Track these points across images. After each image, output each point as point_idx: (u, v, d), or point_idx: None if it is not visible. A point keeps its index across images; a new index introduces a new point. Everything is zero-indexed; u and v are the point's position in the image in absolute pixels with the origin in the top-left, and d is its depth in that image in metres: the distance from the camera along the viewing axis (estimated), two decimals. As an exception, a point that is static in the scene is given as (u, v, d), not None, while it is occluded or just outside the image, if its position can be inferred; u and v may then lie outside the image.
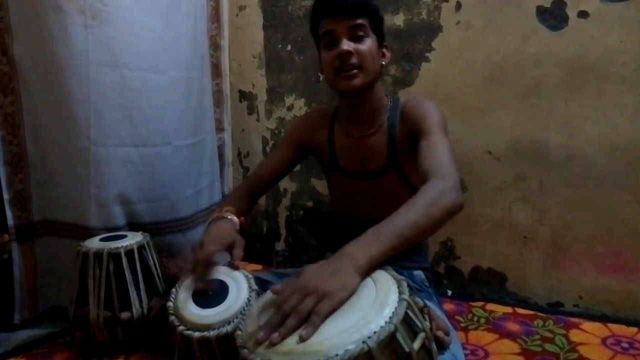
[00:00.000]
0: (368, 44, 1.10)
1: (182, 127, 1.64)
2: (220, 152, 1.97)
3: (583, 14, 1.35)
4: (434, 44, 1.57)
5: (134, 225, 1.48)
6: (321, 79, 1.81)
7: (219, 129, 1.96)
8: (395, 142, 1.17)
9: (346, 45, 1.07)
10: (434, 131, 1.05)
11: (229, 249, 1.02)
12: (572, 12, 1.36)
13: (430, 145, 1.02)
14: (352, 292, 0.67)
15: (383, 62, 1.16)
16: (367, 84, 1.12)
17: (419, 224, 0.81)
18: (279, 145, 1.39)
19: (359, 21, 1.08)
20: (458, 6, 1.51)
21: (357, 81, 1.09)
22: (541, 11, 1.40)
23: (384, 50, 1.18)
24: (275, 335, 0.61)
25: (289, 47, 1.89)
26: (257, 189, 1.33)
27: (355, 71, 1.08)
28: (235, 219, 1.15)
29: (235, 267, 1.02)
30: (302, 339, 0.60)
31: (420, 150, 1.03)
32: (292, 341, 0.60)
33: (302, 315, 0.63)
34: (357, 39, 1.08)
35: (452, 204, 0.87)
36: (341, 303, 0.65)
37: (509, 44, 1.45)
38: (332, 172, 1.29)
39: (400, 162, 1.17)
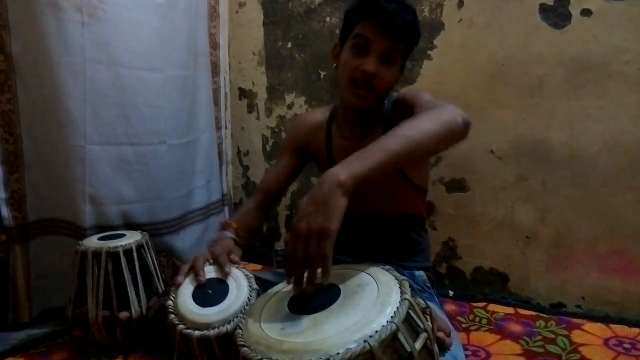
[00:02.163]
0: (393, 72, 1.06)
1: (177, 125, 1.64)
2: (219, 151, 1.96)
3: (586, 12, 1.34)
4: (436, 42, 1.56)
5: (130, 225, 1.47)
6: (321, 76, 1.81)
7: (217, 127, 1.95)
8: None
9: (373, 66, 1.02)
10: (425, 100, 1.01)
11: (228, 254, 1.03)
12: (575, 10, 1.36)
13: (425, 104, 0.98)
14: (342, 213, 0.70)
15: (392, 84, 1.12)
16: (373, 105, 1.10)
17: (410, 137, 0.77)
18: (279, 153, 1.39)
19: (398, 46, 1.03)
20: (460, 4, 1.51)
21: (365, 102, 1.07)
22: (544, 9, 1.39)
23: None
24: (308, 287, 0.69)
25: (289, 45, 1.88)
26: (265, 200, 1.31)
27: (366, 93, 1.05)
28: (232, 235, 1.14)
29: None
30: (323, 285, 0.67)
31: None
32: (293, 339, 0.60)
33: (313, 261, 0.68)
34: (386, 62, 1.04)
35: (450, 117, 0.83)
36: (337, 230, 0.69)
37: (511, 42, 1.45)
38: None
39: None
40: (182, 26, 1.63)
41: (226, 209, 2.01)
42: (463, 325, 1.31)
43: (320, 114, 1.31)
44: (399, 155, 0.75)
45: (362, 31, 1.03)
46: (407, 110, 1.08)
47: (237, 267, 1.00)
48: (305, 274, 0.69)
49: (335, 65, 1.15)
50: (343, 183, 0.70)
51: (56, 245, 1.42)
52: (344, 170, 0.72)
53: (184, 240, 1.67)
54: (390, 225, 1.20)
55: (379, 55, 1.02)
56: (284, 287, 0.77)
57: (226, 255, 1.01)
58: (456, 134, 0.85)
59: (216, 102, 1.95)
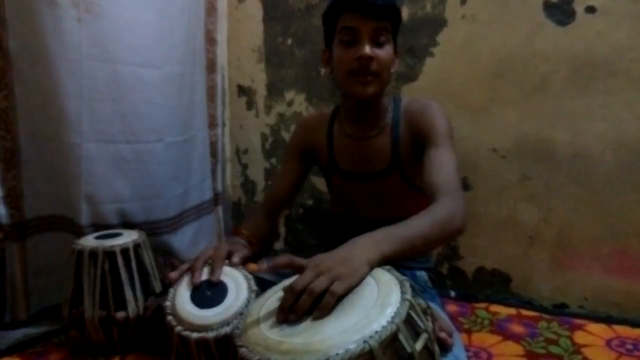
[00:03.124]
0: (388, 51, 1.07)
1: (174, 123, 1.63)
2: (214, 149, 1.95)
3: (590, 9, 1.34)
4: (438, 39, 1.55)
5: (127, 224, 1.46)
6: (322, 73, 1.80)
7: (213, 124, 1.94)
8: (399, 144, 1.15)
9: (368, 49, 1.03)
10: (442, 142, 1.05)
11: (229, 255, 1.01)
12: (579, 7, 1.35)
13: (439, 159, 1.02)
14: (361, 281, 0.68)
15: (392, 70, 1.13)
16: (379, 92, 1.10)
17: (428, 239, 0.84)
18: (284, 159, 1.39)
19: (384, 24, 1.05)
20: (463, 0, 1.50)
21: (371, 89, 1.06)
22: (548, 6, 1.39)
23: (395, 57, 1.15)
24: (292, 315, 0.64)
25: (289, 41, 1.87)
26: (275, 207, 1.31)
27: (370, 78, 1.05)
28: (243, 241, 1.13)
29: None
30: (315, 318, 0.62)
31: (428, 161, 1.03)
32: (292, 340, 0.60)
33: (315, 293, 0.65)
34: (378, 44, 1.05)
35: (459, 227, 0.91)
36: (352, 288, 0.67)
37: (515, 39, 1.44)
38: (332, 174, 1.27)
39: (403, 164, 1.16)
40: (181, 23, 1.62)
41: (220, 208, 1.99)
42: (465, 326, 1.31)
43: (321, 115, 1.32)
44: (414, 252, 0.82)
45: (347, 23, 1.05)
46: (419, 131, 1.10)
47: (236, 269, 0.99)
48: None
49: (329, 70, 1.16)
50: (371, 259, 0.72)
51: (55, 242, 1.42)
52: (375, 247, 0.75)
53: (180, 240, 1.67)
54: None
55: (370, 39, 1.04)
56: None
57: (223, 259, 0.99)
58: (455, 237, 0.91)
59: (212, 100, 1.93)
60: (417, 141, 1.10)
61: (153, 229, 1.53)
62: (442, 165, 1.01)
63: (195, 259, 0.99)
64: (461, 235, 0.95)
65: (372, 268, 0.71)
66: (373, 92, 1.07)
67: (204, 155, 1.86)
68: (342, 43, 1.06)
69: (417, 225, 0.84)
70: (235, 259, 1.00)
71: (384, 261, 0.74)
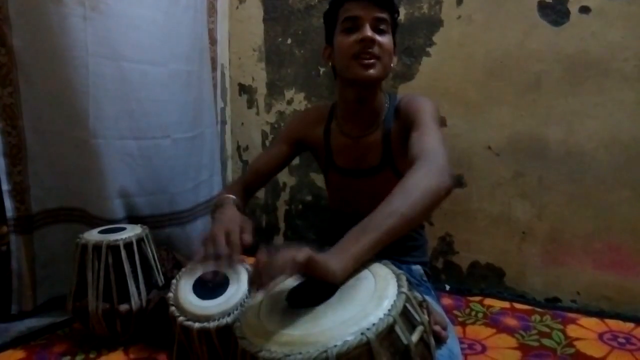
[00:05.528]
0: (388, 39, 1.09)
1: (181, 120, 1.64)
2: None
3: (585, 10, 1.35)
4: (434, 39, 1.57)
5: (133, 218, 1.48)
6: (321, 72, 1.82)
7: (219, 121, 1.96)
8: (389, 139, 1.16)
9: (370, 32, 1.05)
10: (425, 122, 1.04)
11: (241, 232, 0.97)
12: (573, 8, 1.36)
13: (420, 134, 1.01)
14: (333, 275, 0.66)
15: (392, 63, 1.14)
16: (380, 78, 1.11)
17: (400, 212, 0.77)
18: (275, 141, 1.39)
19: (384, 15, 1.07)
20: (459, 1, 1.51)
21: (373, 71, 1.07)
22: (542, 6, 1.40)
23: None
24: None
25: (289, 41, 1.88)
26: (252, 183, 1.31)
27: (373, 60, 1.07)
28: (237, 199, 1.12)
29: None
30: None
31: (410, 141, 1.02)
32: (291, 332, 0.60)
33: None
34: (379, 32, 1.07)
35: (436, 185, 0.83)
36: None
37: (509, 39, 1.45)
38: (329, 170, 1.29)
39: (394, 159, 1.17)
40: (186, 20, 1.63)
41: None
42: (459, 319, 1.33)
43: (320, 110, 1.32)
44: (394, 232, 0.76)
45: (349, 13, 1.07)
46: (406, 121, 1.10)
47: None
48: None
49: (331, 64, 1.17)
50: (345, 269, 0.69)
51: (64, 233, 1.44)
52: (344, 256, 0.70)
53: (187, 234, 1.68)
54: None
55: (371, 25, 1.06)
56: (283, 281, 0.77)
57: (238, 244, 0.93)
58: (443, 198, 0.86)
59: (215, 97, 1.95)
60: (406, 133, 1.09)
61: (159, 223, 1.55)
62: (422, 137, 0.99)
63: (210, 239, 0.92)
64: (449, 194, 0.86)
65: (348, 275, 0.69)
66: (375, 75, 1.08)
67: (212, 152, 1.87)
68: (344, 32, 1.08)
69: (384, 206, 0.78)
70: (248, 237, 0.95)
71: (359, 260, 0.71)
